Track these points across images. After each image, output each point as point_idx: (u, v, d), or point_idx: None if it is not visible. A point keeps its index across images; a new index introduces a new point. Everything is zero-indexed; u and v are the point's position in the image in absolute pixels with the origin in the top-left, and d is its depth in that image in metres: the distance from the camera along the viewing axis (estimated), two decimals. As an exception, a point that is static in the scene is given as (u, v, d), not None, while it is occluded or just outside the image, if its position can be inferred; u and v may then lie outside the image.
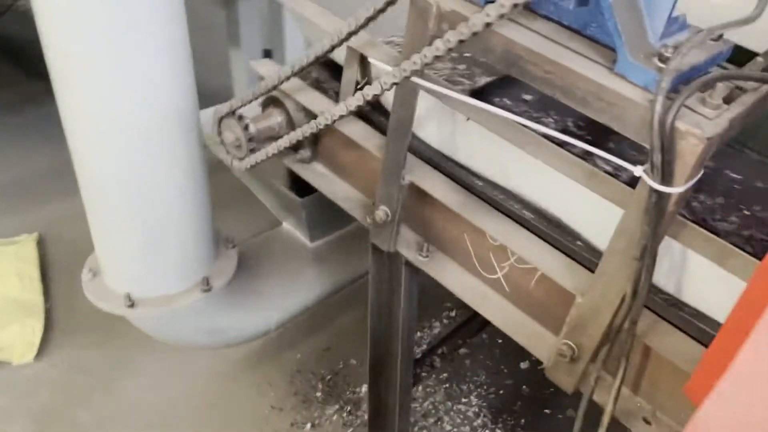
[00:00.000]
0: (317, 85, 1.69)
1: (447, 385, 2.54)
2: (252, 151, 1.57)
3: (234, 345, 2.23)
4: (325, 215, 2.19)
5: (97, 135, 1.54)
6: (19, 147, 3.68)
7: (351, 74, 1.48)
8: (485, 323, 2.61)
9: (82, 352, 2.56)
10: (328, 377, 2.54)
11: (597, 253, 1.20)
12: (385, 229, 1.46)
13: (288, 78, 1.45)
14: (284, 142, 1.49)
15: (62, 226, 3.21)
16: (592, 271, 1.19)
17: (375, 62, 1.25)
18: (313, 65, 1.52)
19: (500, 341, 2.73)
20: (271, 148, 1.53)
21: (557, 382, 1.26)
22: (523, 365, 2.62)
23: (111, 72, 1.42)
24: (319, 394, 2.47)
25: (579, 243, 1.23)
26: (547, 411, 2.45)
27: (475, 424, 2.40)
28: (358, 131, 1.51)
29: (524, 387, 2.54)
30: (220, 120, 1.60)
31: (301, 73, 1.60)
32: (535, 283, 1.29)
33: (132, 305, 1.78)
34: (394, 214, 1.42)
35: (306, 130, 1.42)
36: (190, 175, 1.69)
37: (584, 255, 1.21)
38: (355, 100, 1.27)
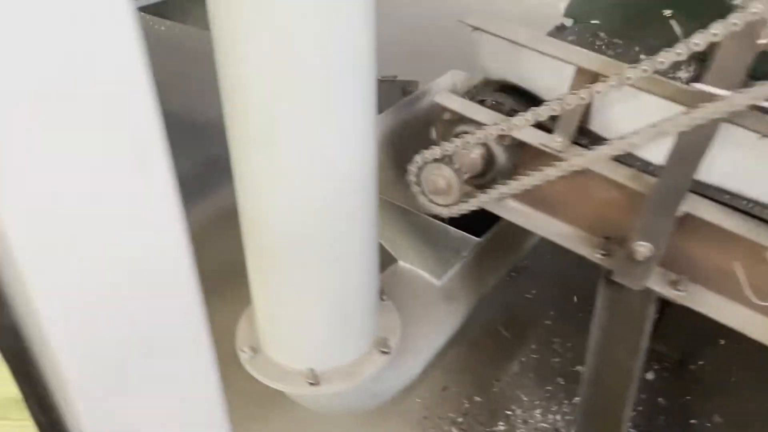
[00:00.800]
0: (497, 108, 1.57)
1: (584, 409, 2.44)
2: (468, 194, 1.44)
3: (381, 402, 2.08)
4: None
5: (290, 200, 1.37)
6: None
7: (576, 103, 1.36)
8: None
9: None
10: (459, 419, 2.41)
11: None
12: (639, 267, 1.35)
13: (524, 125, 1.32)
14: (519, 185, 1.37)
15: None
16: None
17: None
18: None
19: (615, 354, 2.66)
20: (497, 193, 1.40)
21: None
22: (649, 376, 2.56)
23: (321, 131, 1.27)
24: (457, 439, 2.33)
25: None
26: (693, 421, 2.39)
27: (627, 446, 2.33)
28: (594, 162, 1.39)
29: (659, 399, 2.48)
30: (422, 166, 1.46)
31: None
32: None
33: (315, 382, 1.61)
34: (658, 250, 1.31)
35: (553, 172, 1.31)
36: (372, 228, 1.53)
37: None
38: (642, 137, 1.16)
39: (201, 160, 4.25)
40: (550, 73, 1.47)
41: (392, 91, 4.30)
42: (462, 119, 1.53)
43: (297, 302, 1.55)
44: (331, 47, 1.19)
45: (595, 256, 1.46)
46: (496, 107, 1.57)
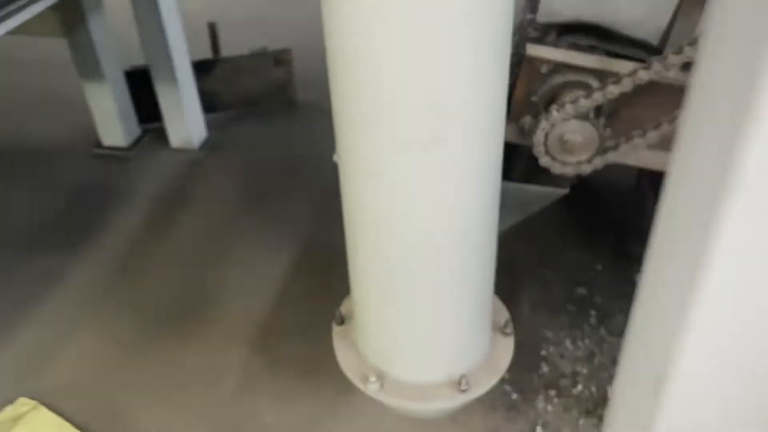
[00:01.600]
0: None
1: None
2: (607, 149, 1.37)
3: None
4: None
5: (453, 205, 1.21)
6: None
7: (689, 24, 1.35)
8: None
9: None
10: (505, 376, 2.39)
11: None
12: None
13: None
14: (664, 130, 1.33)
15: (43, 371, 2.47)
16: None
17: None
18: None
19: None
20: (645, 140, 1.35)
21: None
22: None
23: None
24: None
25: None
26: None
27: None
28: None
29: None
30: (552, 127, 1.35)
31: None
32: None
33: (467, 388, 1.48)
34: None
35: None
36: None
37: None
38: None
39: (61, 190, 3.63)
40: (643, 2, 1.43)
41: (264, 63, 4.00)
42: (556, 69, 1.45)
43: (447, 305, 1.40)
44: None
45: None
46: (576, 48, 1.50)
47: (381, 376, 1.50)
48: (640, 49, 1.51)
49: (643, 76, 1.29)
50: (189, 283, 2.88)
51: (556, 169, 1.43)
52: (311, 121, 4.14)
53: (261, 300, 2.76)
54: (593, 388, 2.34)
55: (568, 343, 2.52)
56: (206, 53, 3.95)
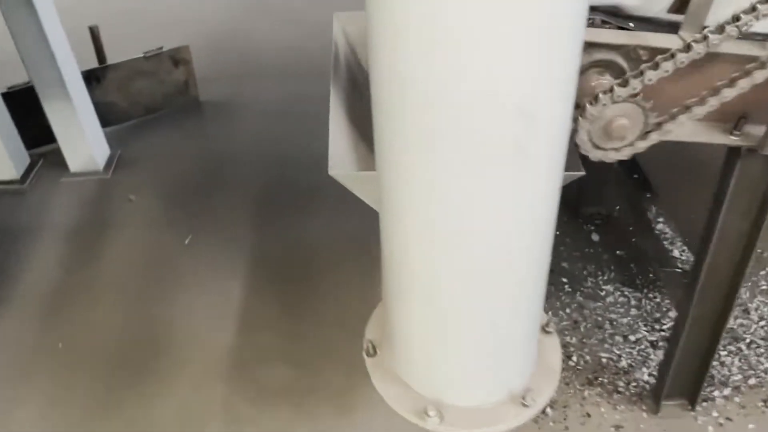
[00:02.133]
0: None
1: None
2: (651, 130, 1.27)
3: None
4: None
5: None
6: None
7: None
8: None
9: None
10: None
11: None
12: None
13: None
14: (711, 104, 1.25)
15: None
16: None
17: None
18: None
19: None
20: (685, 117, 1.27)
21: None
22: (595, 238, 2.76)
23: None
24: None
25: None
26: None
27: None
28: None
29: (618, 252, 2.70)
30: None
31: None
32: None
33: (531, 402, 1.37)
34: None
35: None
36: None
37: None
38: None
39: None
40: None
41: (162, 64, 3.62)
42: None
43: (512, 323, 1.27)
44: None
45: (731, 139, 1.44)
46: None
47: (439, 408, 1.36)
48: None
49: (715, 40, 1.19)
50: (134, 323, 2.55)
51: (596, 155, 1.32)
52: (219, 119, 3.82)
53: (222, 329, 2.49)
54: (587, 357, 2.31)
55: (550, 315, 2.48)
56: (91, 62, 3.51)
